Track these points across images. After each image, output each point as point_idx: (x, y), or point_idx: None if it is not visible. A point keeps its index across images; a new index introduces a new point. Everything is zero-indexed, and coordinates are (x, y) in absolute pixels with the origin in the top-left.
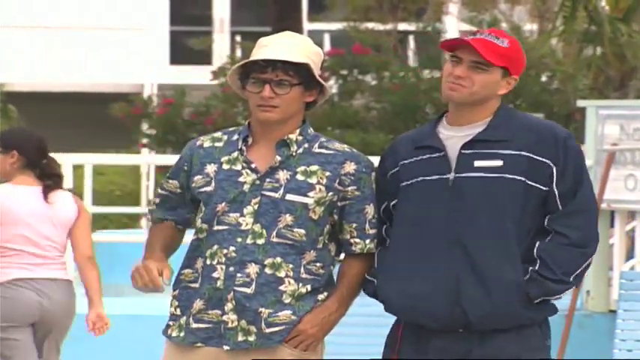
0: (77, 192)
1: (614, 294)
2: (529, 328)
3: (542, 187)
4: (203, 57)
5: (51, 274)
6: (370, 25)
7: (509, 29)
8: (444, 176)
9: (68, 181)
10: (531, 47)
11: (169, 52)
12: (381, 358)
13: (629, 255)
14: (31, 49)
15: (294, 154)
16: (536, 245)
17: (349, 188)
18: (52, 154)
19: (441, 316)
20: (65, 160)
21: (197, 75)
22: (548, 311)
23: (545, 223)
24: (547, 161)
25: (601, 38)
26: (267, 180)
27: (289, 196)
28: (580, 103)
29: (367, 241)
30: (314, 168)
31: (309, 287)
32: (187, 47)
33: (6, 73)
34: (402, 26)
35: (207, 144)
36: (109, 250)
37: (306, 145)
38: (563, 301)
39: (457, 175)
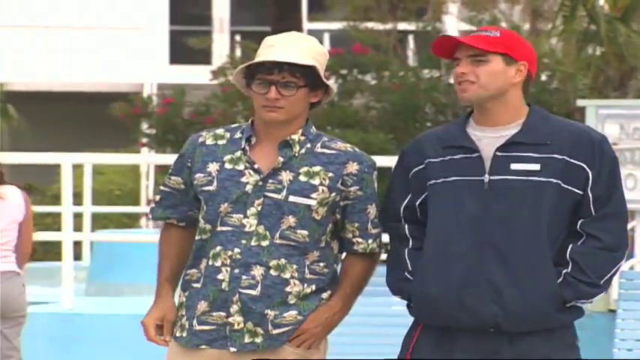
0: (30, 187)
1: (614, 294)
2: (559, 330)
3: (577, 190)
4: (203, 57)
5: (1, 268)
6: (370, 24)
7: (509, 29)
8: (479, 177)
9: (68, 181)
10: None
11: (169, 51)
12: (382, 358)
13: (629, 255)
14: (31, 49)
15: (296, 154)
16: (569, 248)
17: (352, 188)
18: (51, 154)
19: (473, 316)
20: (65, 160)
21: (197, 75)
22: (578, 314)
23: (578, 226)
24: (583, 165)
25: (600, 38)
26: (270, 181)
27: (292, 198)
28: (580, 102)
29: (369, 241)
30: (317, 169)
31: (313, 287)
32: (187, 47)
33: (6, 73)
34: (402, 26)
35: (209, 141)
36: (108, 250)
37: (308, 145)
38: None
39: (492, 177)
